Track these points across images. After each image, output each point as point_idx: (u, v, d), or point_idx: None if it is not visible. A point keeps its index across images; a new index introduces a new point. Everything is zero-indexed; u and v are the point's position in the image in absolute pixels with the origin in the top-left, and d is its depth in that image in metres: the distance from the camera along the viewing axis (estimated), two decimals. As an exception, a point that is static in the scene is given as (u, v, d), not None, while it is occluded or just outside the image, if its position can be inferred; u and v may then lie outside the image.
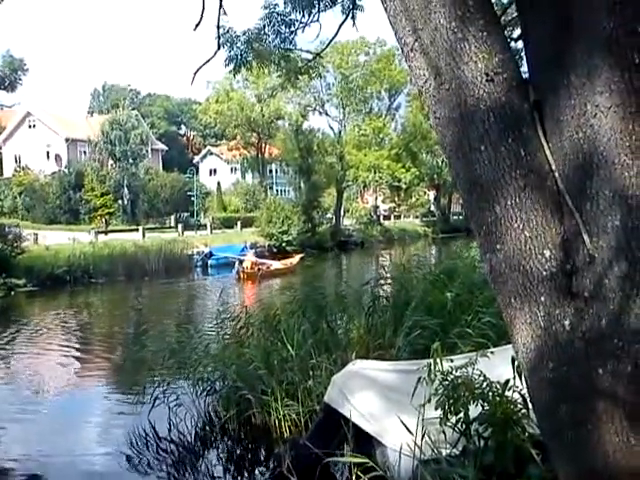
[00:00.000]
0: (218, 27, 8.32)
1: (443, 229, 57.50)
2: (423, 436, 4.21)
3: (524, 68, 2.61)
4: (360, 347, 7.38)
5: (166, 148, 64.37)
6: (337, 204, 50.24)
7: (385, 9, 2.68)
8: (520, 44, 3.64)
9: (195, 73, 8.27)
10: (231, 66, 8.97)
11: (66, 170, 46.22)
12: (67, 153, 51.15)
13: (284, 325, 7.92)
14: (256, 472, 6.72)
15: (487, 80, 2.40)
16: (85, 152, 50.71)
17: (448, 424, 4.04)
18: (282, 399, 6.68)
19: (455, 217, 64.29)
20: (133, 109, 53.88)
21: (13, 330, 15.71)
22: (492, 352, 4.48)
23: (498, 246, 2.45)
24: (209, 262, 32.09)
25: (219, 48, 8.50)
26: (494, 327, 6.28)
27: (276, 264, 29.33)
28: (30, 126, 53.60)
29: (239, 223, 43.52)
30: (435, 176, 59.63)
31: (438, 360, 4.12)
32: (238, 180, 59.42)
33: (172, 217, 45.68)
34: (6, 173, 51.10)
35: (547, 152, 2.39)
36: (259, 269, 27.01)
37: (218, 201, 52.24)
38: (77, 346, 13.99)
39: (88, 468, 6.83)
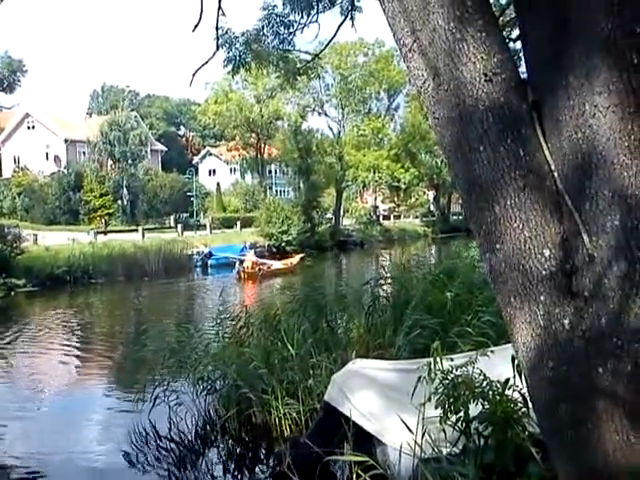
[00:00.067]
0: (217, 28, 8.34)
1: (443, 229, 57.46)
2: (423, 435, 4.22)
3: (523, 68, 2.62)
4: (360, 346, 7.39)
5: (165, 149, 64.32)
6: (336, 204, 50.23)
7: (384, 10, 2.68)
8: (519, 44, 3.64)
9: (194, 74, 8.30)
10: (230, 67, 9.00)
11: (65, 171, 46.18)
12: (66, 154, 51.10)
13: (284, 325, 7.93)
14: (256, 471, 6.72)
15: (486, 80, 2.41)
16: (84, 153, 50.66)
17: (448, 423, 4.05)
18: (282, 398, 6.69)
19: (454, 217, 64.23)
20: (132, 110, 53.89)
21: (14, 330, 15.70)
22: (492, 351, 4.49)
23: (498, 246, 2.46)
24: (209, 262, 32.09)
25: (218, 49, 8.52)
26: (494, 326, 6.28)
27: (276, 264, 29.37)
28: (29, 127, 53.57)
29: (238, 223, 43.50)
30: (434, 176, 59.58)
31: (438, 359, 4.13)
32: (237, 180, 59.41)
33: (171, 217, 45.64)
34: (5, 174, 51.06)
35: (546, 152, 2.40)
36: (260, 269, 27.06)
37: (217, 201, 52.23)
38: (77, 345, 14.00)
39: (88, 466, 6.85)
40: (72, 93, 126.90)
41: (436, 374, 4.07)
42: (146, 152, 51.26)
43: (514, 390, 3.89)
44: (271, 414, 6.77)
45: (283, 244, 38.09)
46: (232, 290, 22.96)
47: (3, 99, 57.94)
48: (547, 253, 2.36)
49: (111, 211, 44.66)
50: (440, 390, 4.02)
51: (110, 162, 46.95)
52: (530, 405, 3.29)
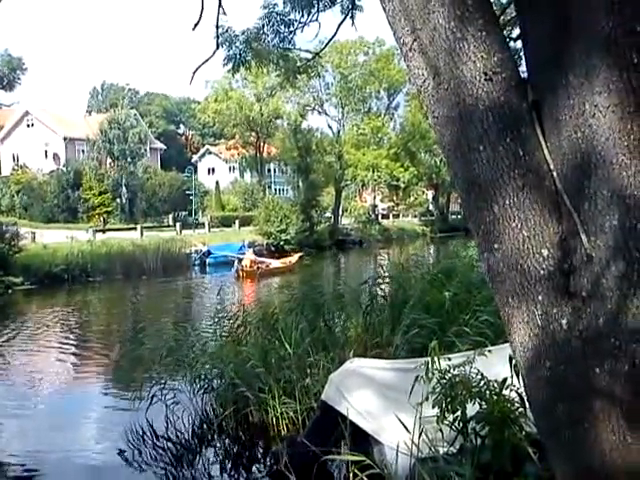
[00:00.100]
0: (217, 26, 8.32)
1: (441, 228, 57.48)
2: (420, 434, 4.22)
3: (523, 68, 2.62)
4: (358, 345, 7.40)
5: (164, 147, 64.28)
6: (335, 203, 50.22)
7: (384, 9, 2.68)
8: (519, 44, 3.64)
9: (194, 72, 8.26)
10: (230, 65, 8.99)
11: (64, 169, 46.16)
12: (65, 152, 51.10)
13: (282, 323, 7.93)
14: (253, 470, 6.72)
15: (486, 79, 2.40)
16: (83, 151, 50.63)
17: (445, 422, 4.06)
18: (279, 397, 6.70)
19: (453, 216, 64.26)
20: (132, 108, 53.82)
21: (11, 327, 15.69)
22: (490, 351, 4.49)
23: (496, 245, 2.45)
24: (207, 261, 32.06)
25: (218, 47, 8.50)
26: (492, 326, 6.29)
27: (275, 263, 29.39)
28: (28, 125, 53.56)
29: (237, 222, 43.49)
30: (433, 175, 59.59)
31: (436, 358, 4.13)
32: (236, 179, 59.41)
33: (170, 216, 45.60)
34: (4, 172, 51.05)
35: (545, 152, 2.40)
36: (258, 267, 27.08)
37: (216, 200, 52.21)
38: (75, 343, 14.00)
39: (85, 464, 6.85)
40: (72, 91, 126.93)
41: (433, 373, 4.08)
42: (145, 150, 51.21)
43: (511, 390, 3.90)
44: (268, 413, 6.78)
45: (282, 243, 38.07)
46: (230, 289, 22.96)
47: (2, 97, 57.81)
48: (545, 253, 2.36)
49: (110, 209, 44.66)
50: (437, 389, 4.02)
51: (109, 160, 46.93)
52: (527, 405, 3.29)
